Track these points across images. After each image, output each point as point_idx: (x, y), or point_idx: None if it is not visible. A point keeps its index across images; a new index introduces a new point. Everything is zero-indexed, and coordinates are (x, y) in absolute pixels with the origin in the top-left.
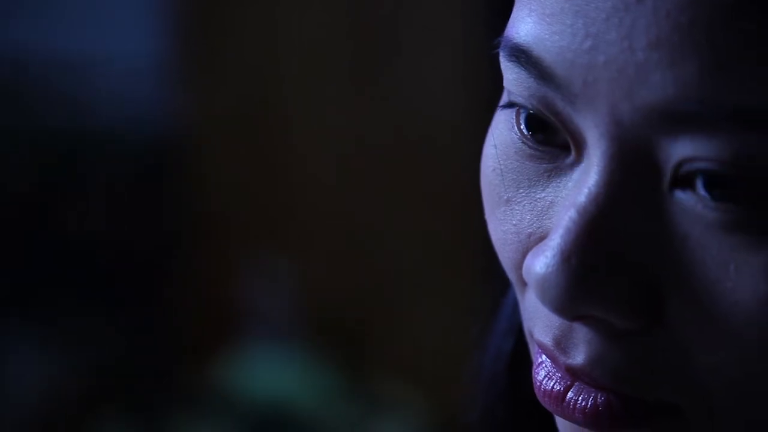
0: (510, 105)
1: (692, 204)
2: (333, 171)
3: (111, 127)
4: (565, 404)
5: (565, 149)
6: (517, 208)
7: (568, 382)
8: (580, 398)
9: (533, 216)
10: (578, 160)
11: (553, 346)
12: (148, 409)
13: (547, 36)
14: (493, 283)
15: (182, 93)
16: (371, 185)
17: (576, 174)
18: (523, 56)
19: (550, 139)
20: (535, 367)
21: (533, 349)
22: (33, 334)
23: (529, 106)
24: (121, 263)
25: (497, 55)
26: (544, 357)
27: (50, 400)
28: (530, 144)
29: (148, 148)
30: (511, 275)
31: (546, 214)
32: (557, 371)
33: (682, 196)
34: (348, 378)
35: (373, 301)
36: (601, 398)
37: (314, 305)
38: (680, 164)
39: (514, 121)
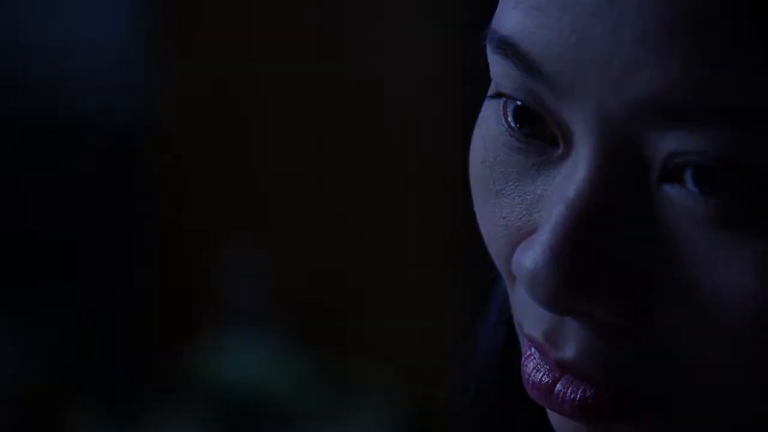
0: (498, 95)
1: (681, 199)
2: (309, 159)
3: (85, 114)
4: (553, 396)
5: (553, 142)
6: (506, 201)
7: (557, 375)
8: (568, 391)
9: (522, 209)
10: (567, 153)
11: (543, 340)
12: (122, 398)
13: (533, 29)
14: (481, 275)
15: (157, 79)
16: (348, 173)
17: (564, 167)
18: (509, 49)
19: (538, 133)
20: (523, 359)
21: (523, 342)
22: (4, 323)
23: (517, 97)
24: (94, 251)
25: (483, 47)
26: (532, 349)
27: (21, 391)
28: (517, 137)
29: (122, 135)
30: (501, 268)
31: (535, 207)
32: (545, 363)
33: (670, 190)
34: (323, 365)
35: (348, 288)
36: (590, 391)
37: (289, 292)
38: (669, 158)
39: (502, 113)
